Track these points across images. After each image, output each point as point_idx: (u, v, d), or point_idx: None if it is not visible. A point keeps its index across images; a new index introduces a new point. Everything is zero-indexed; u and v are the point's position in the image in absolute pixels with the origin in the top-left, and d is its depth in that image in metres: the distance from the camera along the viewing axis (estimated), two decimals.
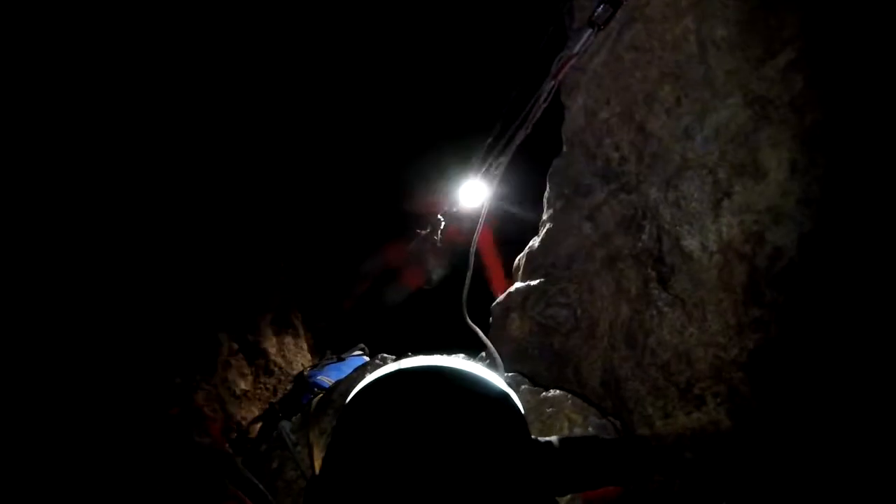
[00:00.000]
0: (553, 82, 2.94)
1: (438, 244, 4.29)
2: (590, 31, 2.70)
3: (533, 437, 0.91)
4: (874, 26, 2.16)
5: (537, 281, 2.98)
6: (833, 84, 2.27)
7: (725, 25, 2.34)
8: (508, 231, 4.14)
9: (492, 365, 2.53)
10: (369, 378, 0.88)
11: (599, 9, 2.65)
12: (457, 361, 0.90)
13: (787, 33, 2.21)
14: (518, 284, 3.06)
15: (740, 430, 2.45)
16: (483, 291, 3.46)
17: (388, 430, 0.78)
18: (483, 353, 2.73)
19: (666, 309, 2.55)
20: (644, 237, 2.65)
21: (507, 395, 0.89)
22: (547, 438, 0.96)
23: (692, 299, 2.50)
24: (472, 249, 3.11)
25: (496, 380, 0.90)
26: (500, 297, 3.10)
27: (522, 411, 0.90)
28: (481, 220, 3.24)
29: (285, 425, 2.61)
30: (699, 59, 2.45)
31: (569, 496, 1.88)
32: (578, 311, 2.84)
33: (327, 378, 3.26)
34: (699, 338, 2.45)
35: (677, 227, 2.57)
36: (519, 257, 3.27)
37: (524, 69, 3.10)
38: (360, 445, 0.79)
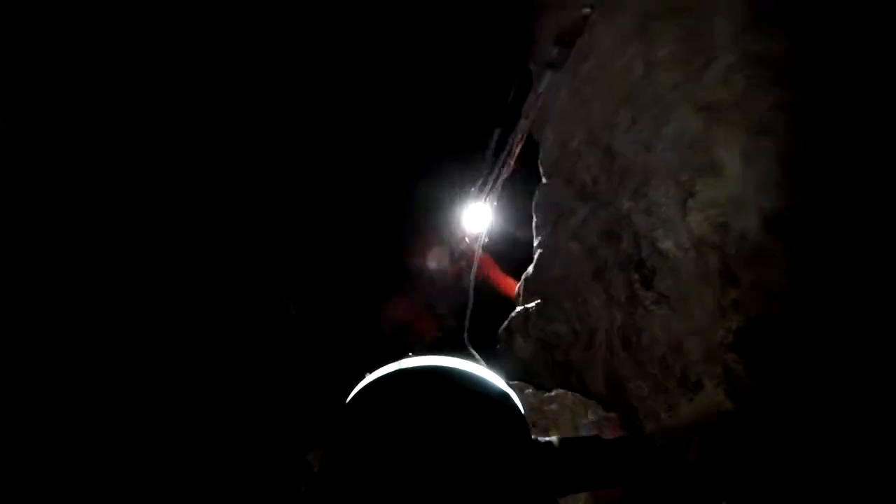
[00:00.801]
0: (525, 121, 3.14)
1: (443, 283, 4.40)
2: (550, 72, 2.92)
3: (533, 436, 0.89)
4: (805, 19, 2.32)
5: (535, 302, 3.06)
6: (773, 77, 2.41)
7: (665, 45, 2.51)
8: (516, 253, 4.22)
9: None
10: (369, 378, 0.87)
11: (555, 51, 2.87)
12: (457, 361, 0.88)
13: (720, 40, 2.38)
14: (519, 308, 3.14)
15: (742, 411, 2.44)
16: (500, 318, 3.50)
17: (388, 430, 0.77)
18: None
19: (653, 307, 2.60)
20: (624, 245, 2.74)
21: (507, 395, 0.87)
22: (547, 438, 0.95)
23: (675, 294, 2.55)
24: (472, 284, 3.23)
25: (496, 380, 0.88)
26: (505, 323, 3.18)
27: (523, 411, 0.88)
28: (476, 255, 3.38)
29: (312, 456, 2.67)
30: (647, 80, 2.61)
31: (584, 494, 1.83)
32: (576, 325, 2.90)
33: None
34: (687, 327, 2.49)
35: (652, 232, 2.66)
36: (518, 284, 3.37)
37: (500, 113, 3.32)
38: (360, 445, 0.78)
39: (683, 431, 2.50)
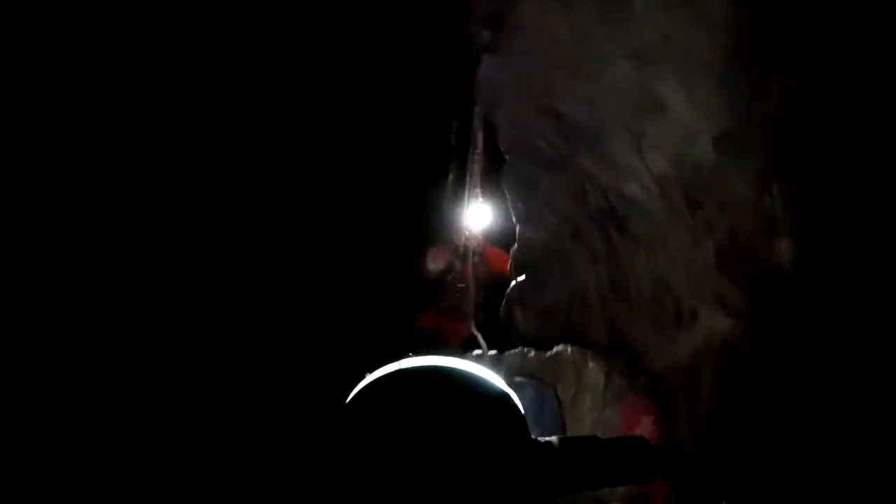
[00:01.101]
0: (479, 109, 3.22)
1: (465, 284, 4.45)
2: (486, 56, 3.00)
3: (533, 437, 0.88)
4: None
5: (526, 275, 3.13)
6: (697, 16, 2.47)
7: (582, 1, 2.59)
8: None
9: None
10: (369, 378, 0.86)
11: (488, 35, 2.95)
12: (457, 361, 0.87)
13: None
14: (513, 284, 3.21)
15: (741, 332, 2.47)
16: None
17: (386, 431, 0.76)
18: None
19: (632, 250, 2.66)
20: (592, 202, 2.79)
21: (506, 395, 0.86)
22: (547, 438, 0.93)
23: (650, 235, 2.60)
24: (470, 279, 3.33)
25: (496, 379, 0.87)
26: (503, 301, 3.24)
27: (522, 411, 0.87)
28: (475, 246, 3.46)
29: None
30: (575, 39, 2.68)
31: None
32: (568, 288, 2.95)
33: None
34: (668, 263, 2.53)
35: (614, 182, 2.72)
36: (509, 260, 3.43)
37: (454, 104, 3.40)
38: (358, 446, 0.78)
39: (691, 366, 2.54)
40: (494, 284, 3.90)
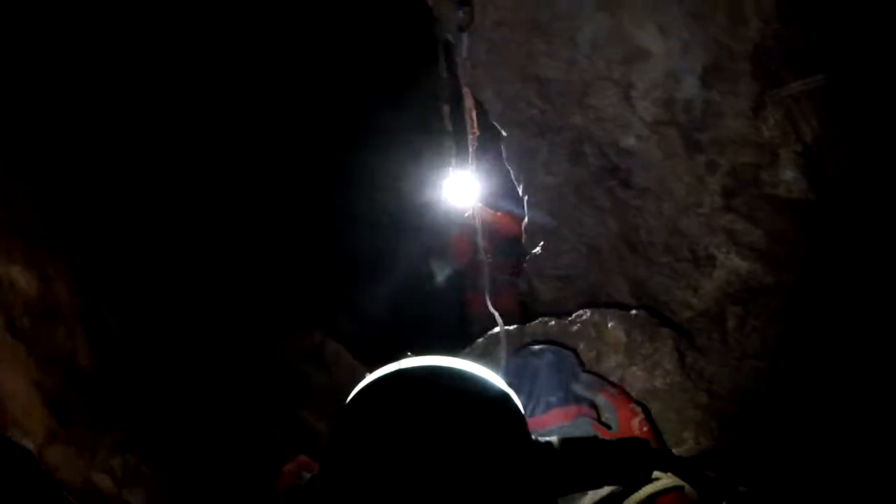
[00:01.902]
0: (467, 90, 3.19)
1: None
2: (463, 34, 2.95)
3: (533, 437, 0.88)
4: None
5: (540, 245, 3.10)
6: None
7: None
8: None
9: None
10: (368, 379, 0.86)
11: (460, 13, 2.91)
12: (457, 361, 0.87)
13: None
14: (527, 256, 3.19)
15: (759, 270, 2.42)
16: None
17: (386, 432, 0.76)
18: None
19: (639, 202, 2.61)
20: (591, 159, 2.76)
21: (507, 396, 0.86)
22: (547, 439, 0.94)
23: (653, 182, 2.56)
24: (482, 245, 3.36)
25: (496, 380, 0.87)
26: (520, 276, 3.23)
27: (523, 411, 0.88)
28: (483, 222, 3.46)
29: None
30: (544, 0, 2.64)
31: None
32: (583, 249, 2.93)
33: None
34: (676, 208, 2.49)
35: (610, 135, 2.67)
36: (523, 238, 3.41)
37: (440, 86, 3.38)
38: (359, 447, 0.77)
39: (716, 309, 2.50)
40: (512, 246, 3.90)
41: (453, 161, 3.63)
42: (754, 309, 2.40)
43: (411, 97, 4.52)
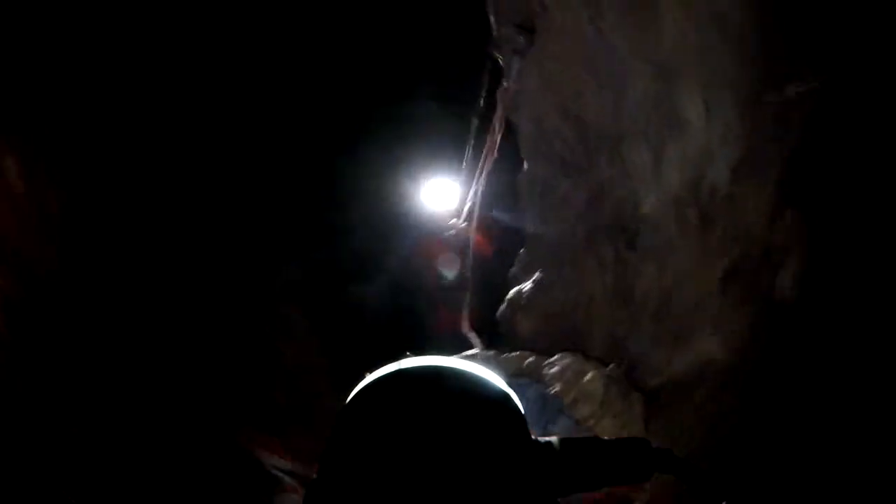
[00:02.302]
0: (501, 113, 3.27)
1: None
2: (517, 58, 3.03)
3: (533, 437, 0.81)
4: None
5: (534, 277, 3.18)
6: (723, 36, 2.47)
7: (612, 8, 2.59)
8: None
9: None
10: (368, 379, 0.81)
11: (519, 38, 2.98)
12: (457, 362, 0.81)
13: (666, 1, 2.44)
14: (517, 286, 3.26)
15: (734, 359, 2.49)
16: None
17: (386, 432, 0.74)
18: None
19: (640, 265, 2.69)
20: (606, 211, 2.83)
21: (507, 396, 0.80)
22: (547, 438, 0.85)
23: (660, 250, 2.62)
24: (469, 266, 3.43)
25: (497, 380, 0.80)
26: (502, 307, 3.29)
27: (523, 411, 0.81)
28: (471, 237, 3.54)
29: None
30: (604, 47, 2.68)
31: None
32: (574, 292, 3.00)
33: None
34: (675, 279, 2.56)
35: (631, 194, 2.75)
36: (513, 267, 3.47)
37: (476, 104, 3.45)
38: (358, 447, 0.75)
39: (684, 384, 2.58)
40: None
41: (456, 176, 3.71)
42: (722, 389, 2.47)
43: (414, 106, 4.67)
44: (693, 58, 2.49)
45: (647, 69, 2.60)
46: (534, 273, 3.17)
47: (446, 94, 4.39)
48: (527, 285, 3.15)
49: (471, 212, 3.67)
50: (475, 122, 3.40)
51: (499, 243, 4.04)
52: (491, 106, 3.33)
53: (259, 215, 4.81)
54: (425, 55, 4.61)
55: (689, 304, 2.54)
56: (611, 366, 2.51)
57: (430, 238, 4.60)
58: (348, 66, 5.09)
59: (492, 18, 3.15)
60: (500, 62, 3.22)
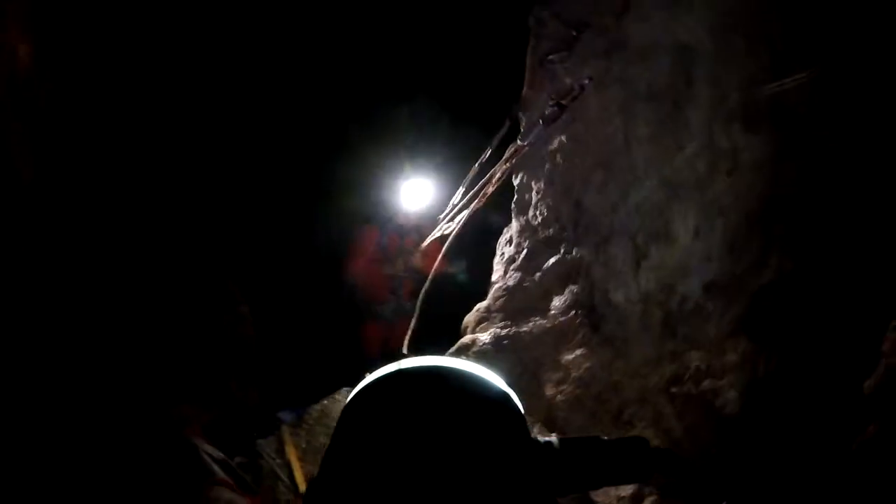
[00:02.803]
0: (506, 165, 3.51)
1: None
2: (539, 127, 3.30)
3: (533, 437, 0.90)
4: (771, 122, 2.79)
5: (488, 333, 3.36)
6: (731, 167, 2.87)
7: (647, 124, 2.94)
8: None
9: None
10: (368, 379, 0.88)
11: (549, 110, 3.26)
12: (457, 362, 0.89)
13: (692, 131, 2.83)
14: (470, 336, 3.42)
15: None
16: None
17: (386, 431, 0.78)
18: None
19: (598, 348, 2.96)
20: (578, 291, 3.11)
21: (507, 396, 0.87)
22: (547, 438, 0.97)
23: (619, 340, 2.92)
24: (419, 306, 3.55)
25: (496, 380, 0.88)
26: (453, 349, 3.43)
27: (522, 411, 0.89)
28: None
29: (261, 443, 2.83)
30: (624, 151, 3.04)
31: None
32: (524, 357, 3.21)
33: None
34: (625, 370, 2.85)
35: (606, 283, 3.04)
36: (469, 316, 3.65)
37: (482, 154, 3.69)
38: (359, 447, 0.79)
39: None
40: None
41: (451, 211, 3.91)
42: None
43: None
44: (694, 190, 2.88)
45: (655, 183, 2.96)
46: (489, 329, 3.34)
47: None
48: (481, 339, 3.31)
49: (439, 242, 3.84)
50: (475, 167, 3.62)
51: (452, 283, 4.22)
52: (495, 154, 3.58)
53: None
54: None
55: (633, 395, 2.82)
56: (553, 435, 2.69)
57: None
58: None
59: (526, 79, 3.43)
60: (522, 120, 3.48)
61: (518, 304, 3.33)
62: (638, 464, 1.05)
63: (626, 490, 2.38)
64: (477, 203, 3.70)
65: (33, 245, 3.45)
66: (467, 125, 4.25)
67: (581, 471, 0.99)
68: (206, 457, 2.34)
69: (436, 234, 3.96)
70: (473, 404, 0.82)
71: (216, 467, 2.30)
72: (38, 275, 3.39)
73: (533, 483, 0.83)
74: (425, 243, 4.29)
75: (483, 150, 3.67)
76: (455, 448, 0.75)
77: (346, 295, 4.92)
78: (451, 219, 3.80)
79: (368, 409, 0.84)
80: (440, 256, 3.90)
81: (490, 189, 3.62)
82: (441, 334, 3.63)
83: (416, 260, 4.82)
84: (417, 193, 4.88)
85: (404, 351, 3.24)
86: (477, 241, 4.24)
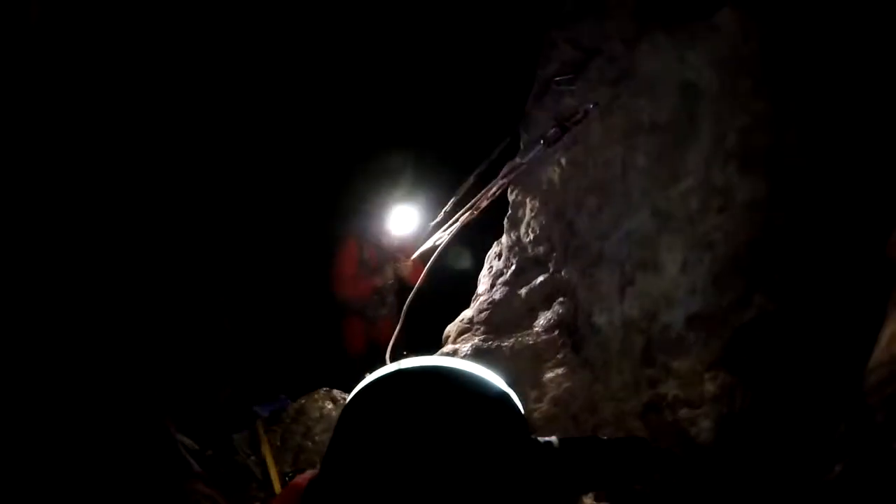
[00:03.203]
0: (502, 181, 3.58)
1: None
2: (539, 146, 3.38)
3: (533, 437, 0.91)
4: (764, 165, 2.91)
5: (469, 344, 3.40)
6: (722, 205, 2.98)
7: (646, 156, 3.04)
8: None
9: None
10: (368, 379, 0.88)
11: (551, 130, 3.35)
12: (456, 362, 0.90)
13: (689, 166, 2.94)
14: (451, 346, 3.47)
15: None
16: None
17: (386, 431, 0.78)
18: None
19: (578, 369, 3.03)
20: (562, 311, 3.18)
21: (507, 395, 0.88)
22: (547, 438, 0.98)
23: (599, 362, 3.00)
24: (405, 310, 3.60)
25: (496, 380, 0.89)
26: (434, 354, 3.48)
27: (522, 411, 0.90)
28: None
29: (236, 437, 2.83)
30: (621, 179, 3.13)
31: None
32: (504, 372, 3.25)
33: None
34: (603, 392, 2.92)
35: (590, 306, 3.12)
36: (450, 326, 3.70)
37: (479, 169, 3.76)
38: (359, 446, 0.80)
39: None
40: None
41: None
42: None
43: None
44: (685, 224, 2.98)
45: (647, 213, 3.05)
46: (470, 343, 3.39)
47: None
48: (461, 349, 3.36)
49: (428, 252, 3.89)
50: (471, 179, 3.69)
51: (437, 295, 4.26)
52: (492, 169, 3.65)
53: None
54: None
55: (609, 417, 2.89)
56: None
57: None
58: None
59: (530, 97, 3.52)
60: (522, 137, 3.56)
61: (502, 318, 3.39)
62: (638, 464, 1.07)
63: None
64: (469, 215, 3.76)
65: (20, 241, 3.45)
66: (456, 155, 4.31)
67: (581, 471, 1.01)
68: (182, 449, 2.34)
69: (427, 244, 4.00)
70: (473, 404, 0.83)
71: (191, 459, 2.30)
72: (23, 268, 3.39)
73: (533, 483, 0.84)
74: (414, 255, 4.32)
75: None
76: (455, 448, 0.76)
77: (329, 300, 4.95)
78: (442, 229, 3.85)
79: (368, 409, 0.84)
80: (426, 267, 3.95)
81: (484, 203, 3.69)
82: (423, 345, 3.67)
83: (404, 270, 4.87)
84: (403, 218, 4.93)
85: (387, 360, 3.28)
86: (463, 253, 4.32)
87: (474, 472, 0.76)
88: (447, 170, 4.43)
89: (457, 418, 0.80)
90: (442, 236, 3.83)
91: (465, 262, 4.35)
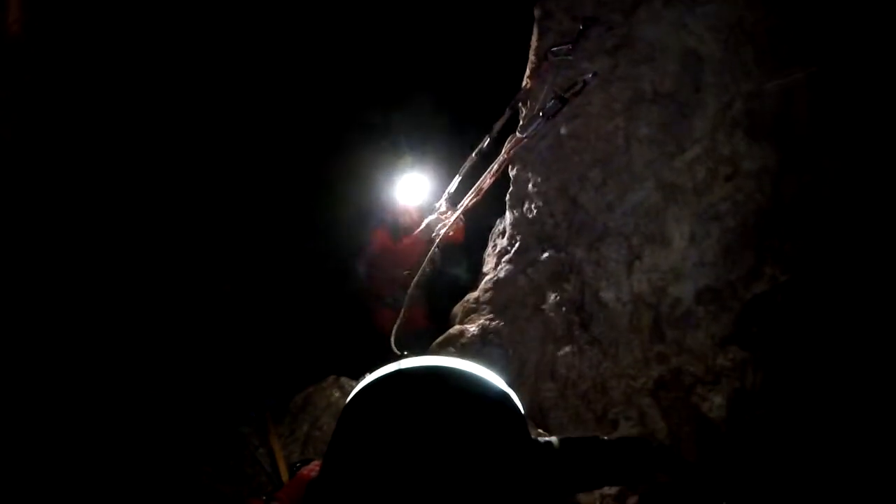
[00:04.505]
0: (504, 156, 3.55)
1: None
2: (539, 119, 3.34)
3: (533, 437, 0.91)
4: (770, 133, 2.88)
5: (476, 325, 3.42)
6: (730, 174, 2.96)
7: (648, 126, 3.01)
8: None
9: None
10: (368, 379, 0.89)
11: (550, 103, 3.30)
12: (457, 362, 0.91)
13: (695, 135, 2.91)
14: (458, 326, 3.48)
15: None
16: None
17: (387, 431, 0.79)
18: None
19: (586, 347, 3.04)
20: (569, 288, 3.18)
21: (507, 395, 0.90)
22: (547, 438, 1.00)
23: (607, 339, 3.00)
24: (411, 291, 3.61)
25: (496, 380, 0.91)
26: (440, 339, 3.49)
27: (523, 411, 0.91)
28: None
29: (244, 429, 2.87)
30: (624, 150, 3.10)
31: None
32: (510, 351, 3.28)
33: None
34: (613, 370, 2.94)
35: (597, 282, 3.11)
36: (457, 307, 3.71)
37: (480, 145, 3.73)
38: (359, 446, 0.81)
39: None
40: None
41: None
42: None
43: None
44: (692, 195, 2.95)
45: (652, 185, 3.03)
46: (477, 321, 3.40)
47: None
48: (467, 328, 3.38)
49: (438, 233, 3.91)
50: (473, 157, 3.66)
51: (443, 277, 4.27)
52: (494, 146, 3.62)
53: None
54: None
55: (619, 396, 2.91)
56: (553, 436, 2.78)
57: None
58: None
59: (528, 70, 3.47)
60: (521, 111, 3.52)
61: (508, 297, 3.39)
62: (638, 464, 1.08)
63: (611, 488, 2.47)
64: (474, 196, 3.75)
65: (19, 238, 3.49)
66: (466, 119, 4.28)
67: (581, 471, 1.02)
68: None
69: (448, 223, 3.99)
70: (473, 404, 0.85)
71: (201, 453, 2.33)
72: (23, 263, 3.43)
73: (533, 483, 0.84)
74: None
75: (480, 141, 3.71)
76: (455, 448, 0.77)
77: (351, 289, 4.92)
78: (448, 209, 3.85)
79: (368, 409, 0.86)
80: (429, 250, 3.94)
81: (488, 181, 3.67)
82: (431, 327, 3.69)
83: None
84: (416, 188, 4.82)
85: (391, 343, 3.29)
86: (471, 232, 4.30)
87: (474, 472, 0.76)
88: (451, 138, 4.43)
89: (457, 419, 0.81)
90: (447, 219, 3.83)
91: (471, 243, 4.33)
